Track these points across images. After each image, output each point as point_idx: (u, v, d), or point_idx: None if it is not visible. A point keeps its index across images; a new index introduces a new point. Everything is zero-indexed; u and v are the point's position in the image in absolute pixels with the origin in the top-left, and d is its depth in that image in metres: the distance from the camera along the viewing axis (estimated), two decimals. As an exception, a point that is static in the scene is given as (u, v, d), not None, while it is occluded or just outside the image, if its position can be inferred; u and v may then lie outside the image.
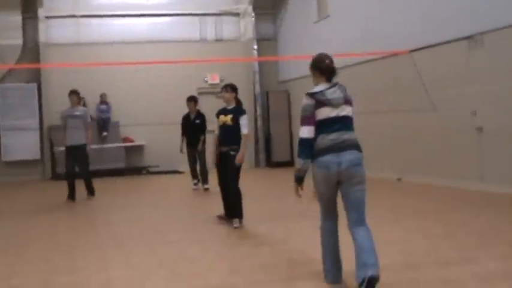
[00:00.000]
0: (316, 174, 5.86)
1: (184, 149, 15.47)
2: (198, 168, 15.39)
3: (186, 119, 15.39)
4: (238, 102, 10.03)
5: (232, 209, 9.86)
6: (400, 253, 7.40)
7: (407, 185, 14.45)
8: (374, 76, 16.48)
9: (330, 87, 5.95)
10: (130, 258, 7.93)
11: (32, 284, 6.74)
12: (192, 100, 15.46)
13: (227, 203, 10.00)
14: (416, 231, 8.83)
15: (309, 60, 6.25)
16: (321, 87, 5.98)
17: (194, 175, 15.56)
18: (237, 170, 9.77)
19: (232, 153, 9.66)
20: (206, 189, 14.97)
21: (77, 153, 14.00)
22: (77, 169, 14.26)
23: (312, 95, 5.90)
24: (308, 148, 5.82)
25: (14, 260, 8.02)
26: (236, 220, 9.76)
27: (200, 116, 15.32)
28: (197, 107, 15.51)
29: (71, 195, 14.09)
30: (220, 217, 10.21)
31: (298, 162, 5.86)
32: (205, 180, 15.13)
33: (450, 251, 7.47)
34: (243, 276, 6.65)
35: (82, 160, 14.12)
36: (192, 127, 15.20)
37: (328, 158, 5.76)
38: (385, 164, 16.09)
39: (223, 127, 9.85)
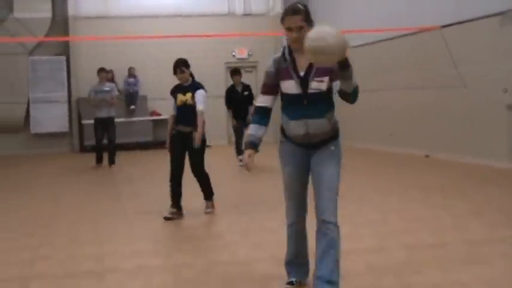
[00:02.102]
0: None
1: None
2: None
3: (232, 92, 15.02)
4: (192, 77, 9.35)
5: (204, 191, 9.14)
6: (428, 231, 7.34)
7: (435, 162, 14.31)
8: (404, 52, 16.29)
9: None
10: (157, 231, 7.98)
11: (61, 255, 6.79)
12: (237, 73, 15.07)
13: (177, 193, 8.90)
14: (444, 208, 8.74)
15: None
16: None
17: (240, 150, 14.77)
18: (202, 151, 8.96)
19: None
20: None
21: (107, 125, 15.38)
22: (105, 141, 15.61)
23: None
24: None
25: (43, 231, 8.10)
26: (208, 204, 9.10)
27: (247, 87, 15.03)
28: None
29: (99, 160, 15.63)
30: (168, 217, 8.66)
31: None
32: (241, 153, 15.08)
33: (478, 229, 7.42)
34: (267, 251, 6.66)
35: (112, 130, 15.47)
36: (240, 100, 14.88)
37: None
38: (413, 140, 15.97)
39: (183, 107, 8.98)
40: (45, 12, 20.86)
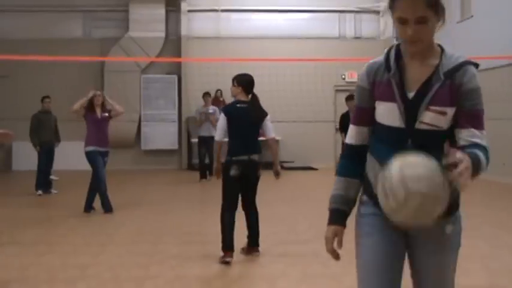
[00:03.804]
0: None
1: None
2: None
3: (346, 118, 14.79)
4: (255, 98, 7.91)
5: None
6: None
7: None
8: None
9: None
10: (261, 256, 7.88)
11: (169, 275, 6.88)
12: (352, 98, 14.88)
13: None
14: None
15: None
16: None
17: None
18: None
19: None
20: None
21: (209, 142, 16.10)
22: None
23: None
24: None
25: (151, 249, 8.24)
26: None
27: None
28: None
29: (204, 176, 17.08)
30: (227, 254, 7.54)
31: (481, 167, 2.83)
32: None
33: None
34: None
35: (212, 148, 16.32)
36: None
37: None
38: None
39: None
40: (159, 32, 21.40)
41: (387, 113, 3.01)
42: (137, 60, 20.90)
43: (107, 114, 11.69)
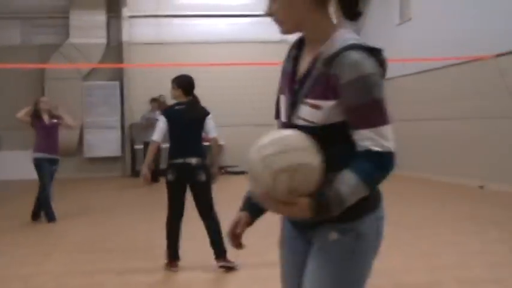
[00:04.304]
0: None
1: None
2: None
3: None
4: (195, 99, 7.82)
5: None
6: (484, 266, 7.16)
7: (490, 194, 14.03)
8: (458, 81, 16.13)
9: None
10: (207, 261, 7.84)
11: (114, 282, 6.84)
12: None
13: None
14: (502, 242, 8.51)
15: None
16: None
17: None
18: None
19: None
20: None
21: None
22: None
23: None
24: None
25: (96, 257, 8.17)
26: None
27: None
28: None
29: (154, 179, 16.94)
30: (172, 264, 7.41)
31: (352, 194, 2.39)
32: None
33: (537, 264, 7.24)
34: None
35: (158, 154, 16.40)
36: None
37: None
38: (467, 170, 15.71)
39: None
40: (100, 38, 21.20)
41: (281, 107, 2.74)
42: (78, 67, 20.71)
43: (55, 121, 11.51)
